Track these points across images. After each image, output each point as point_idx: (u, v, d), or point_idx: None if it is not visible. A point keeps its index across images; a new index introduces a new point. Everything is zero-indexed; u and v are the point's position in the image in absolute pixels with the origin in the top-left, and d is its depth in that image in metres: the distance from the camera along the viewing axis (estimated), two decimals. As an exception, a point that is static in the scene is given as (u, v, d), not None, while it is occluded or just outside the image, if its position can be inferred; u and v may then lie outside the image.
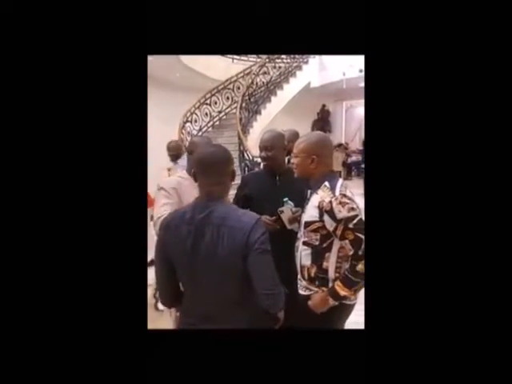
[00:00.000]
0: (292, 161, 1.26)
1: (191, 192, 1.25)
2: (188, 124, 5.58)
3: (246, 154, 4.90)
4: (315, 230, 1.14)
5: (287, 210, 1.33)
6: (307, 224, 1.17)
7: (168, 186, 1.40)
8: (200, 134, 5.53)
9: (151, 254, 1.00)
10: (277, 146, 1.49)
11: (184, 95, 5.70)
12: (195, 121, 5.75)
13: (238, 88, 5.97)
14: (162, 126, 5.15)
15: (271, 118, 5.95)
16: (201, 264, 0.89)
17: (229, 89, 6.02)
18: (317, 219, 1.11)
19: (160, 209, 1.31)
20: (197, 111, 5.79)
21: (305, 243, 1.18)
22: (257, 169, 4.58)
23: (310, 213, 1.14)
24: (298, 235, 1.24)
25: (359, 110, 8.92)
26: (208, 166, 0.93)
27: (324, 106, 8.19)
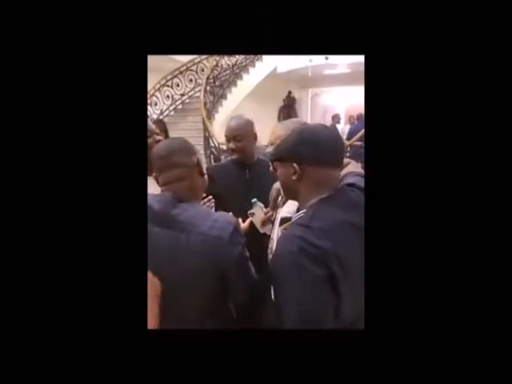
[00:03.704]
0: (267, 150, 1.12)
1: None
2: (148, 107, 5.20)
3: (211, 141, 4.68)
4: None
5: (258, 211, 1.19)
6: (284, 221, 1.04)
7: None
8: (161, 117, 5.18)
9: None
10: (246, 135, 1.33)
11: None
12: (155, 104, 5.37)
13: (202, 70, 5.66)
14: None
15: (237, 103, 5.74)
16: (171, 273, 0.77)
17: (192, 70, 5.68)
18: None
19: None
20: (157, 93, 5.41)
21: None
22: (222, 157, 4.40)
23: (289, 208, 1.01)
24: (272, 235, 1.11)
25: (324, 98, 9.01)
26: (154, 161, 0.82)
27: (290, 92, 8.12)
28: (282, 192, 1.10)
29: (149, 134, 1.22)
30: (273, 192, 1.13)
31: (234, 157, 1.35)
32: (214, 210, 1.17)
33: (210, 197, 1.14)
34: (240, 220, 1.10)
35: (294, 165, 0.73)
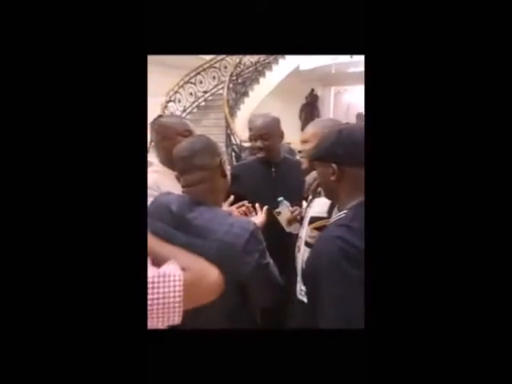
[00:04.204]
0: (300, 148, 1.10)
1: (170, 184, 1.07)
2: (171, 104, 5.29)
3: (233, 138, 4.70)
4: (320, 229, 1.01)
5: (284, 210, 1.18)
6: (312, 220, 1.03)
7: (152, 182, 1.26)
8: (184, 115, 5.26)
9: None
10: (273, 133, 1.32)
11: (166, 72, 5.35)
12: (179, 100, 5.45)
13: (225, 67, 5.69)
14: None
15: (259, 100, 5.73)
16: None
17: (215, 68, 5.72)
18: (325, 215, 0.98)
19: None
20: (180, 90, 5.49)
21: (308, 244, 1.05)
22: (243, 154, 4.41)
23: (320, 207, 1.00)
24: (300, 234, 1.10)
25: (347, 96, 8.83)
26: (176, 162, 0.79)
27: (313, 90, 8.02)
28: (308, 190, 1.08)
29: (187, 133, 1.22)
30: (309, 179, 1.10)
31: (260, 155, 1.34)
32: (249, 216, 1.11)
33: (242, 203, 1.09)
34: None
35: (333, 165, 0.71)
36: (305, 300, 1.03)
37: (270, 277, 0.78)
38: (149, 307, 0.61)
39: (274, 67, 5.83)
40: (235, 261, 0.72)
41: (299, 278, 1.08)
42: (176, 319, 0.63)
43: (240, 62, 5.49)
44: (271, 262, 0.80)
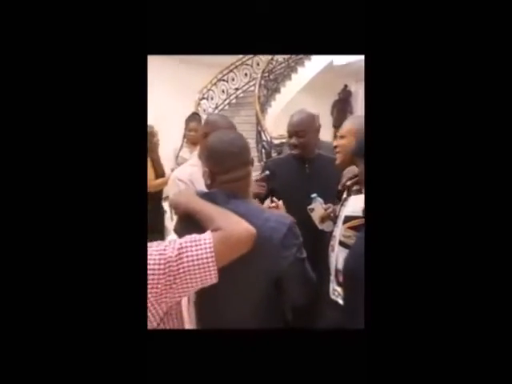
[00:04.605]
0: (336, 143, 1.07)
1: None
2: (204, 101, 5.39)
3: (263, 135, 4.70)
4: (355, 228, 0.98)
5: (318, 207, 1.16)
6: (347, 219, 1.01)
7: (184, 176, 1.31)
8: (216, 111, 5.34)
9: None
10: (310, 130, 1.30)
11: (200, 70, 5.45)
12: (211, 98, 5.54)
13: (258, 64, 5.69)
14: (177, 102, 4.98)
15: (291, 96, 5.68)
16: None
17: (247, 64, 5.74)
18: (360, 215, 0.95)
19: None
20: (213, 88, 5.57)
21: (342, 244, 1.03)
22: (274, 152, 4.40)
23: (355, 206, 0.97)
24: (334, 233, 1.08)
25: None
26: (226, 158, 0.76)
27: (346, 86, 7.80)
28: (343, 188, 1.06)
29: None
30: (345, 176, 1.08)
31: (295, 152, 1.33)
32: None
33: (276, 204, 1.09)
34: None
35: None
36: (339, 301, 1.01)
37: (306, 272, 0.78)
38: (185, 270, 0.65)
39: (307, 63, 5.74)
40: (272, 254, 0.72)
41: (332, 278, 1.06)
42: (213, 278, 0.67)
43: (272, 59, 5.46)
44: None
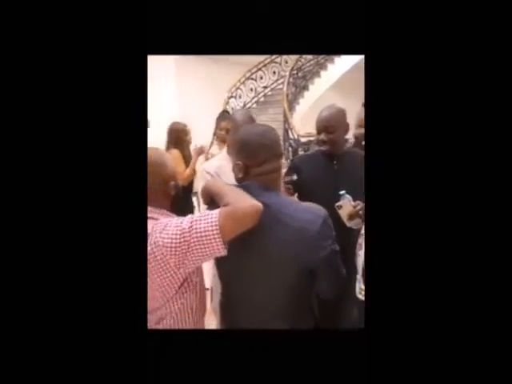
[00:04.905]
0: (357, 132, 1.07)
1: (231, 175, 1.13)
2: (232, 99, 5.47)
3: (290, 133, 4.70)
4: None
5: (346, 204, 1.15)
6: None
7: (211, 169, 1.35)
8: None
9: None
10: (339, 125, 1.28)
11: (229, 69, 5.53)
12: (240, 96, 5.61)
13: (286, 62, 5.68)
14: (206, 100, 5.09)
15: (319, 94, 5.61)
16: (247, 261, 0.76)
17: (276, 62, 5.75)
18: None
19: None
20: (242, 86, 5.64)
21: None
22: (301, 150, 4.37)
23: None
24: (362, 231, 1.08)
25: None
26: (259, 151, 0.77)
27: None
28: None
29: None
30: None
31: (324, 148, 1.31)
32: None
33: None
34: None
35: None
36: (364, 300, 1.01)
37: (339, 266, 0.78)
38: (195, 241, 0.70)
39: (337, 60, 5.64)
40: (309, 245, 0.73)
41: (359, 277, 1.06)
42: (220, 250, 0.71)
43: (301, 56, 5.42)
44: None
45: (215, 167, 1.37)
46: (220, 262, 0.82)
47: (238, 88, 5.57)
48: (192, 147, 2.32)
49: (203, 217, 0.72)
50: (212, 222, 0.70)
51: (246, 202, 0.71)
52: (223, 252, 0.71)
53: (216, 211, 0.71)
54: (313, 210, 0.76)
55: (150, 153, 0.78)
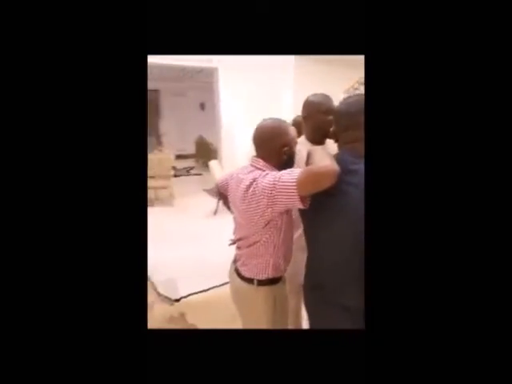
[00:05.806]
0: None
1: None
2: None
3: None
4: None
5: None
6: None
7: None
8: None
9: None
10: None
11: (347, 70, 5.62)
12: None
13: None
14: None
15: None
16: (333, 220, 0.80)
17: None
18: None
19: None
20: (361, 87, 5.59)
21: None
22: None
23: None
24: None
25: None
26: (351, 117, 0.82)
27: None
28: None
29: (328, 112, 1.20)
30: None
31: None
32: None
33: None
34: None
35: None
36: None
37: None
38: (278, 190, 0.82)
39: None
40: None
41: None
42: (295, 202, 0.81)
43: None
44: None
45: (296, 150, 1.51)
46: (309, 225, 0.92)
47: (356, 89, 5.58)
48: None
49: (291, 171, 0.84)
50: (293, 176, 0.81)
51: (324, 163, 0.78)
52: (299, 204, 0.81)
53: (299, 169, 0.83)
54: None
55: (278, 122, 0.95)
